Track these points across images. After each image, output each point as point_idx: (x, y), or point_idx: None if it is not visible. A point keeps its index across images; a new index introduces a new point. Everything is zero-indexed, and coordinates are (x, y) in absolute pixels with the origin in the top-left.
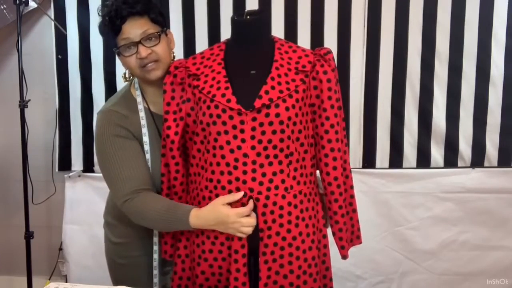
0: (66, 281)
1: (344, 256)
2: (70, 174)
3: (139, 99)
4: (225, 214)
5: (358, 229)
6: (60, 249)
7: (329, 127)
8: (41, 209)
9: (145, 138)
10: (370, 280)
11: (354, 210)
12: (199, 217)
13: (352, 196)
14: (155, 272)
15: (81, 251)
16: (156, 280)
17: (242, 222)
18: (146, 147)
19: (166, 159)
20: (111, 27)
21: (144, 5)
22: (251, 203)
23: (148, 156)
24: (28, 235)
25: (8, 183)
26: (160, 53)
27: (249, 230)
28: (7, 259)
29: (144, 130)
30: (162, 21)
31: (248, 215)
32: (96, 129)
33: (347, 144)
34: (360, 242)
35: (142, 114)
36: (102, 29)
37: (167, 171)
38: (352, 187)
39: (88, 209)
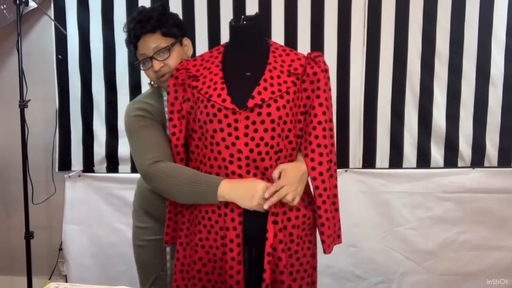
0: (66, 281)
1: (325, 251)
2: (70, 174)
3: (165, 97)
4: (255, 185)
5: (339, 229)
6: (60, 249)
7: (316, 124)
8: (41, 209)
9: (168, 132)
10: (370, 280)
11: (337, 210)
12: (232, 187)
13: (336, 196)
14: (168, 257)
15: (81, 251)
16: (168, 264)
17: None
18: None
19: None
20: (130, 45)
21: (156, 21)
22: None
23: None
24: (28, 235)
25: (8, 183)
26: (171, 65)
27: (267, 206)
28: (7, 259)
29: (167, 124)
30: (176, 33)
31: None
32: (125, 114)
33: (333, 145)
34: (340, 242)
35: (167, 109)
36: (127, 44)
37: None
38: (336, 186)
39: (88, 209)
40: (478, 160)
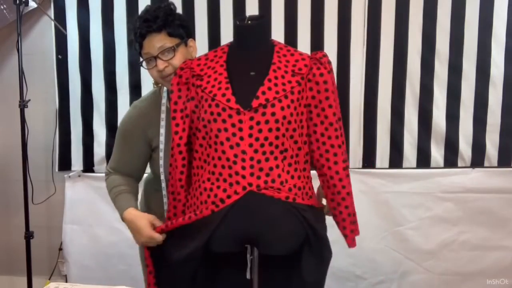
0: (66, 281)
1: (350, 246)
2: (70, 174)
3: (164, 100)
4: (142, 229)
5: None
6: (60, 249)
7: (328, 125)
8: (41, 209)
9: (161, 138)
10: (370, 280)
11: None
12: (128, 219)
13: (349, 194)
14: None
15: (81, 251)
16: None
17: (149, 242)
18: (161, 146)
19: (173, 156)
20: (135, 43)
21: (162, 21)
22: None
23: (161, 154)
24: (28, 235)
25: (8, 183)
26: (176, 65)
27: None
28: (7, 259)
29: (162, 131)
30: (182, 33)
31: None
32: (124, 114)
33: (344, 142)
34: (357, 234)
35: (163, 116)
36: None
37: (175, 166)
38: (349, 184)
39: (88, 209)
40: (478, 160)
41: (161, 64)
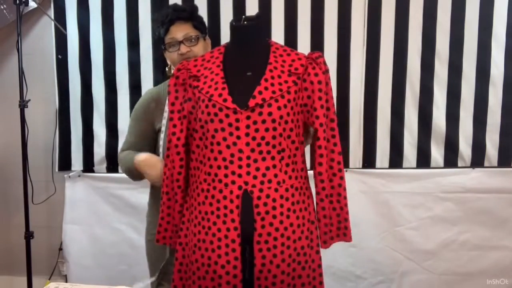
0: (66, 281)
1: (321, 246)
2: (70, 174)
3: None
4: (158, 162)
5: (345, 227)
6: (60, 249)
7: (318, 126)
8: (41, 209)
9: (164, 121)
10: (370, 280)
11: (342, 208)
12: (145, 154)
13: (340, 194)
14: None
15: (81, 251)
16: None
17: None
18: (163, 128)
19: (170, 157)
20: (162, 27)
21: (189, 13)
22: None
23: (162, 135)
24: (28, 235)
25: (8, 183)
26: (196, 52)
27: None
28: (7, 259)
29: (165, 115)
30: (203, 29)
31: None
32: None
33: (335, 145)
34: (347, 240)
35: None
36: (156, 30)
37: (172, 167)
38: (340, 185)
39: (88, 209)
40: (478, 160)
41: (184, 48)
